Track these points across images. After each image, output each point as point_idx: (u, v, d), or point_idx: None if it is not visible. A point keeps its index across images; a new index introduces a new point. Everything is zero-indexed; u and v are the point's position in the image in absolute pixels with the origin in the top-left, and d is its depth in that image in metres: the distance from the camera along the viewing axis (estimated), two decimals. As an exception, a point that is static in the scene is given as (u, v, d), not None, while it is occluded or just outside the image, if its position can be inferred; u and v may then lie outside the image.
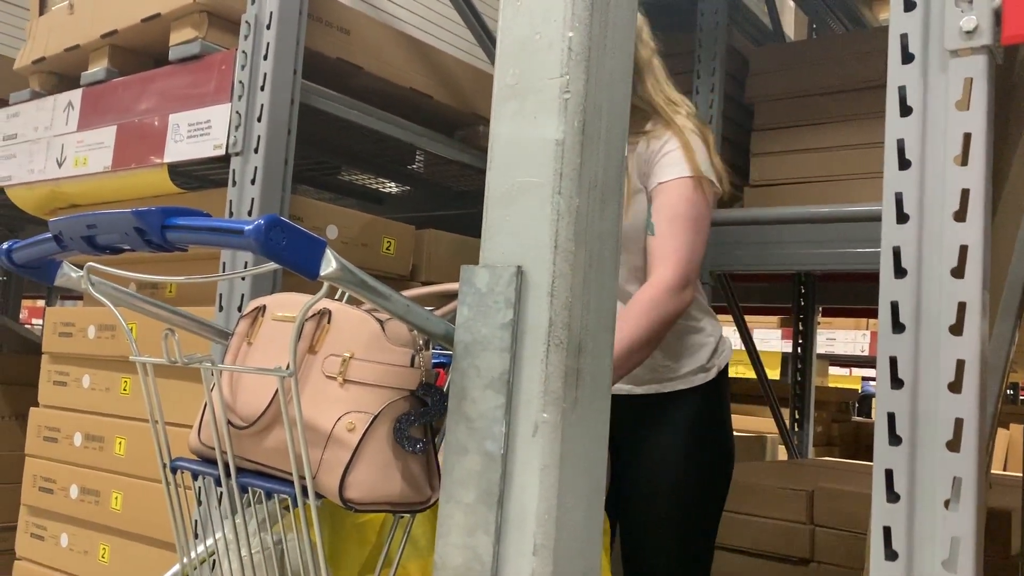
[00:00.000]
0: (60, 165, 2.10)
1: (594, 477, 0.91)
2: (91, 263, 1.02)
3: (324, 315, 0.99)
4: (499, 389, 0.87)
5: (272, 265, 0.83)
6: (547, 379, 0.85)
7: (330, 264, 0.82)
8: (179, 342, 1.00)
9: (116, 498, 1.93)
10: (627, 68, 0.96)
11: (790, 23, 3.65)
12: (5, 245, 1.03)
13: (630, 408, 1.58)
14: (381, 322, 0.97)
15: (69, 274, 1.07)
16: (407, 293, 1.09)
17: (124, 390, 1.97)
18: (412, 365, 0.97)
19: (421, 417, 0.96)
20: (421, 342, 0.99)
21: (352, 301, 1.06)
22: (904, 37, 0.87)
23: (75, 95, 2.11)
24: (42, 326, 2.32)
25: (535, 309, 0.86)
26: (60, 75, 2.27)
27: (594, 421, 0.91)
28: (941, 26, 0.84)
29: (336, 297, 1.09)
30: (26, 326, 4.68)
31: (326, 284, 0.84)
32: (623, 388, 1.59)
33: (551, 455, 0.85)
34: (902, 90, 0.86)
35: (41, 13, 2.30)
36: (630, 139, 1.53)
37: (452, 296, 1.06)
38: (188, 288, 1.92)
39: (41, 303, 6.67)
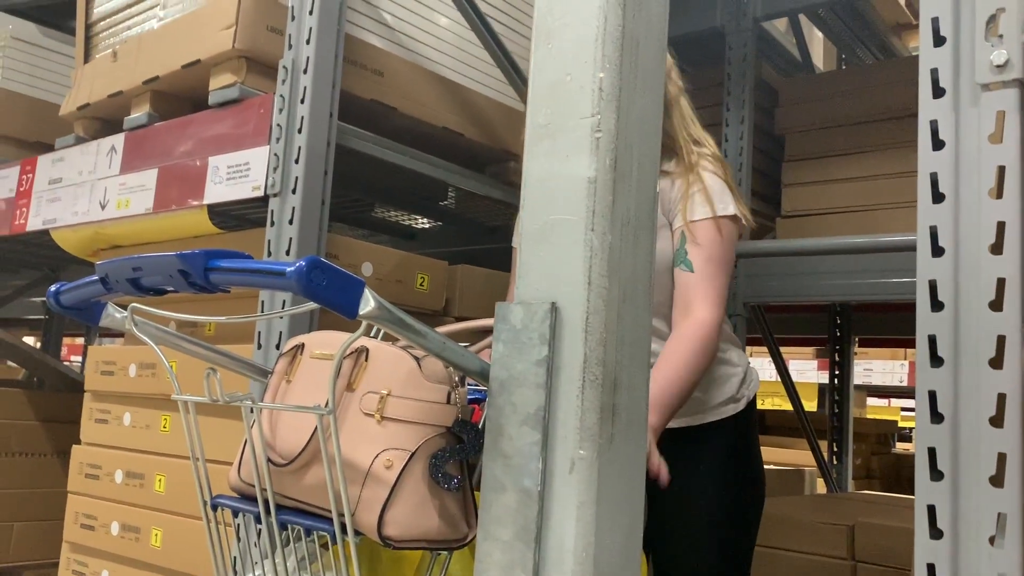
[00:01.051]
0: (103, 207, 2.15)
1: (631, 514, 0.91)
2: (134, 304, 1.05)
3: (362, 353, 1.00)
4: (535, 425, 0.87)
5: (312, 304, 0.85)
6: (583, 415, 0.85)
7: (368, 303, 0.83)
8: (220, 381, 1.02)
9: (156, 535, 1.95)
10: (657, 106, 0.98)
11: (819, 54, 3.66)
12: (52, 288, 1.07)
13: (662, 442, 1.57)
14: (417, 359, 0.99)
15: (113, 315, 1.10)
16: (441, 330, 1.10)
17: (164, 428, 2.00)
18: (448, 402, 0.98)
19: (457, 453, 0.97)
20: (457, 378, 1.00)
21: (388, 337, 1.07)
22: (935, 72, 0.87)
23: (118, 139, 2.17)
24: (81, 363, 2.37)
25: (570, 345, 0.87)
26: (104, 120, 2.34)
27: (631, 457, 0.91)
28: (972, 60, 0.85)
29: (372, 334, 1.10)
30: (66, 363, 4.77)
31: (364, 323, 0.85)
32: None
33: (588, 492, 0.85)
34: (934, 124, 0.86)
35: (86, 61, 2.38)
36: None
37: (486, 332, 1.07)
38: (226, 326, 1.95)
39: (80, 341, 6.79)
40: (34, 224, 2.38)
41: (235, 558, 1.18)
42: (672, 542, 1.60)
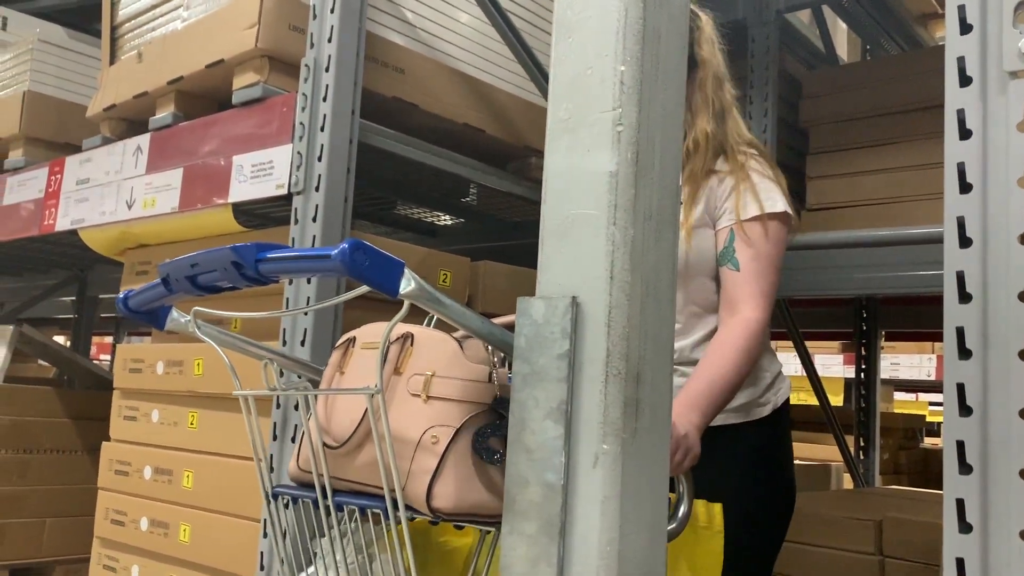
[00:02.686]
0: (130, 207, 2.18)
1: (656, 508, 0.91)
2: (197, 308, 1.11)
3: (407, 338, 1.06)
4: (558, 420, 0.87)
5: (361, 290, 0.89)
6: (606, 409, 0.85)
7: (410, 283, 0.89)
8: (277, 371, 1.09)
9: (184, 530, 1.97)
10: (679, 99, 0.97)
11: (843, 45, 3.62)
12: (121, 295, 1.13)
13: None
14: (459, 342, 1.04)
15: (178, 319, 1.16)
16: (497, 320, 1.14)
17: (191, 424, 2.02)
18: (489, 381, 1.02)
19: (498, 429, 1.00)
20: (497, 359, 1.04)
21: (439, 326, 1.11)
22: (961, 60, 0.86)
23: (143, 140, 2.20)
24: (110, 362, 2.41)
25: (592, 340, 0.87)
26: (129, 121, 2.37)
27: (655, 451, 0.90)
28: (999, 48, 0.83)
29: (425, 323, 1.17)
30: (95, 362, 4.83)
31: (406, 305, 0.89)
32: None
33: (612, 486, 0.85)
34: (961, 113, 0.85)
35: (112, 63, 2.41)
36: (704, 174, 1.55)
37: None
38: (251, 324, 1.96)
39: (108, 339, 6.87)
40: (63, 224, 2.42)
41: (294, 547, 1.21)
42: None
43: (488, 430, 1.01)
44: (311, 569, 1.17)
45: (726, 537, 1.51)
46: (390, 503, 0.96)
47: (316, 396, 1.11)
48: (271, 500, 1.12)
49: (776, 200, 1.53)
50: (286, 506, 1.12)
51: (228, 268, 0.93)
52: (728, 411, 1.56)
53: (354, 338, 1.15)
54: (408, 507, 0.98)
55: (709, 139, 1.57)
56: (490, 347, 1.03)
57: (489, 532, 1.04)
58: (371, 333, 1.14)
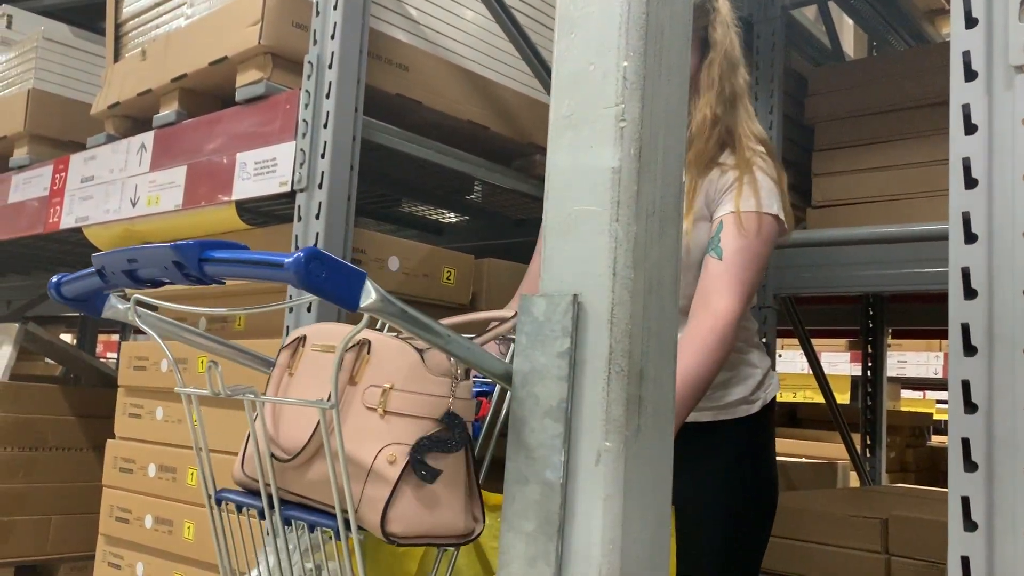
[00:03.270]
0: (134, 205, 2.18)
1: (659, 506, 0.90)
2: (137, 295, 1.03)
3: (364, 346, 0.98)
4: (557, 418, 0.87)
5: (310, 297, 0.83)
6: (609, 407, 0.85)
7: (370, 296, 0.81)
8: (222, 374, 1.00)
9: (188, 528, 1.97)
10: (683, 95, 0.96)
11: (849, 42, 3.60)
12: (54, 279, 1.05)
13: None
14: (420, 351, 0.96)
15: (116, 307, 1.08)
16: (446, 321, 1.08)
17: (195, 422, 2.02)
18: (452, 395, 0.95)
19: (438, 445, 0.93)
20: (461, 371, 0.97)
21: (393, 330, 1.04)
22: (966, 54, 0.85)
23: (147, 137, 2.20)
24: (117, 360, 2.41)
25: (595, 337, 0.86)
26: (133, 119, 2.37)
27: (658, 449, 0.90)
28: (1005, 42, 0.83)
29: (378, 327, 1.07)
30: (101, 360, 4.84)
31: (366, 316, 0.83)
32: None
33: (614, 484, 0.84)
34: (966, 108, 0.84)
35: (116, 60, 2.41)
36: (706, 165, 1.52)
37: (497, 322, 1.06)
38: (256, 320, 1.96)
39: (115, 337, 6.89)
40: (67, 222, 2.42)
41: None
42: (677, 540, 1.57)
43: (425, 443, 0.92)
44: (254, 573, 1.12)
45: (715, 534, 1.50)
46: (342, 524, 0.91)
47: (263, 403, 1.03)
48: (214, 506, 1.06)
49: (772, 202, 1.51)
50: (230, 513, 1.06)
51: (169, 267, 0.88)
52: (717, 408, 1.56)
53: (304, 337, 1.07)
54: (361, 528, 0.92)
55: (715, 122, 1.53)
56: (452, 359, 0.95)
57: (447, 550, 0.98)
58: (323, 333, 1.07)
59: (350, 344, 0.97)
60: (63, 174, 2.49)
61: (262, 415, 1.02)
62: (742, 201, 1.49)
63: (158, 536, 2.05)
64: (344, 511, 0.91)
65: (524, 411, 0.88)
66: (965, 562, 0.79)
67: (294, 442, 0.98)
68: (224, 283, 0.92)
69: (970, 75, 0.85)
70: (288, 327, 1.74)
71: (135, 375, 2.20)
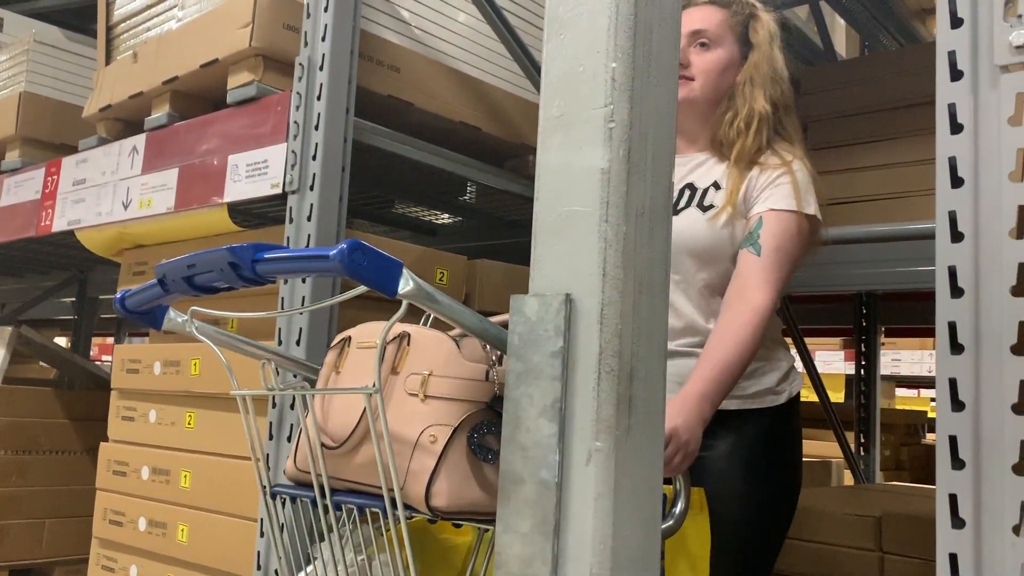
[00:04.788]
0: (126, 207, 2.18)
1: (650, 505, 0.90)
2: (194, 307, 1.11)
3: (404, 338, 1.07)
4: (552, 417, 0.87)
5: (358, 290, 0.88)
6: (599, 407, 0.85)
7: (408, 283, 0.89)
8: (276, 371, 1.10)
9: (182, 530, 1.97)
10: (672, 95, 0.97)
11: (841, 42, 3.61)
12: (118, 295, 1.13)
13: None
14: (456, 340, 1.05)
15: (175, 319, 1.17)
16: (497, 319, 1.14)
17: (189, 424, 2.02)
18: (487, 379, 1.03)
19: (494, 427, 1.01)
20: (495, 357, 1.04)
21: (435, 324, 1.12)
22: (952, 54, 0.86)
23: (139, 140, 2.19)
24: (111, 362, 2.41)
25: (585, 337, 0.86)
26: (125, 121, 2.36)
27: (648, 448, 0.90)
28: (990, 42, 0.83)
29: (422, 322, 1.18)
30: (96, 363, 4.83)
31: (404, 305, 0.89)
32: None
33: (605, 484, 0.84)
34: (952, 107, 0.85)
35: (107, 63, 2.41)
36: (748, 164, 1.55)
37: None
38: (246, 324, 1.96)
39: (110, 340, 6.87)
40: (59, 225, 2.42)
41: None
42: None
43: (484, 428, 1.01)
44: (309, 568, 1.17)
45: (736, 519, 1.52)
46: (388, 502, 0.97)
47: (313, 395, 1.11)
48: (270, 498, 1.12)
49: (811, 203, 1.54)
50: (283, 505, 1.13)
51: (225, 269, 0.94)
52: (744, 397, 1.57)
53: (349, 338, 1.15)
54: (407, 506, 0.99)
55: (761, 120, 1.55)
56: (487, 345, 1.04)
57: (488, 530, 1.05)
58: (367, 332, 1.15)
59: (391, 336, 1.07)
60: (55, 177, 2.48)
61: (312, 409, 1.09)
62: (782, 200, 1.51)
63: (152, 539, 2.05)
64: (390, 489, 0.96)
65: (519, 411, 0.89)
66: (953, 559, 0.79)
67: (342, 429, 1.05)
68: (275, 281, 1.00)
69: (956, 75, 0.85)
70: (280, 329, 1.74)
71: (128, 378, 2.20)
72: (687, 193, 1.60)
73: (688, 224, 1.54)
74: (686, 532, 1.34)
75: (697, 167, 1.62)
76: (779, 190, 1.52)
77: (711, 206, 1.55)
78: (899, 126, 2.58)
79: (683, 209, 1.58)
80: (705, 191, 1.58)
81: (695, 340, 1.55)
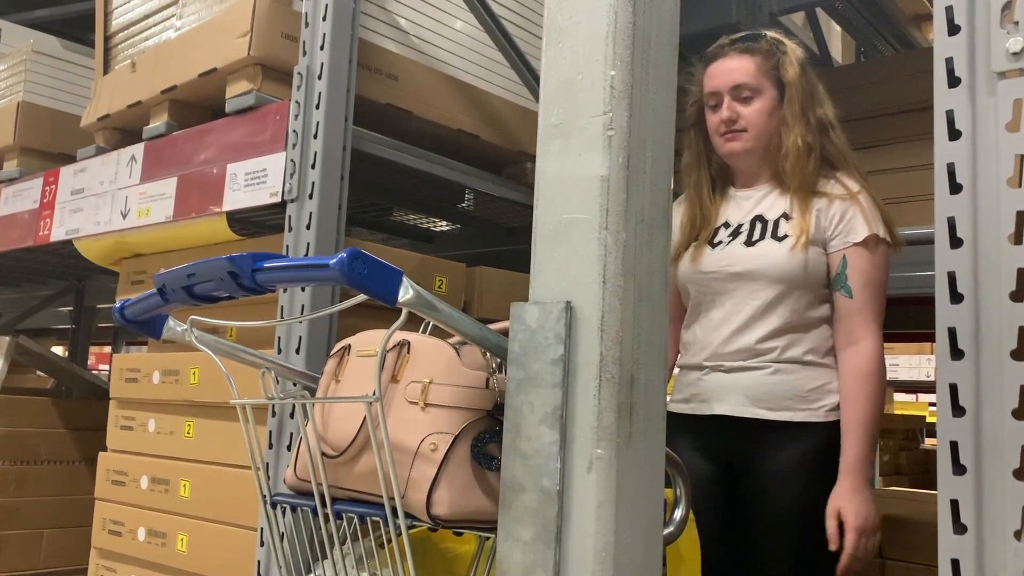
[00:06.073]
0: (124, 217, 2.18)
1: (651, 512, 0.90)
2: (193, 316, 1.11)
3: (404, 346, 1.07)
4: (553, 425, 0.87)
5: (358, 299, 0.89)
6: (600, 414, 0.85)
7: (408, 291, 0.89)
8: (275, 380, 1.10)
9: (182, 540, 1.96)
10: (670, 103, 0.97)
11: (837, 48, 3.62)
12: (118, 304, 1.13)
13: (762, 432, 1.63)
14: (456, 348, 1.04)
15: (175, 328, 1.17)
16: (497, 326, 1.14)
17: (188, 433, 2.02)
18: (487, 387, 1.02)
19: (496, 435, 1.00)
20: (495, 365, 1.04)
21: (435, 332, 1.12)
22: (949, 61, 0.86)
23: (137, 149, 2.19)
24: (109, 372, 2.41)
25: (586, 344, 0.86)
26: (123, 130, 2.36)
27: (649, 455, 0.90)
28: (987, 49, 0.83)
29: (421, 330, 1.17)
30: (93, 372, 4.82)
31: (404, 313, 0.90)
32: (757, 413, 1.63)
33: (607, 491, 0.84)
34: (950, 114, 0.85)
35: (105, 73, 2.41)
36: (811, 192, 1.64)
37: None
38: (246, 333, 1.96)
39: (107, 349, 6.86)
40: (57, 235, 2.42)
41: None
42: (758, 524, 1.63)
43: (486, 436, 1.01)
44: None
45: (795, 526, 1.58)
46: (389, 511, 0.97)
47: (314, 404, 1.11)
48: (270, 508, 1.12)
49: (879, 226, 1.63)
50: (283, 514, 1.13)
51: (224, 278, 0.94)
52: (810, 410, 1.63)
53: (349, 346, 1.15)
54: (408, 515, 0.99)
55: (810, 150, 1.65)
56: (487, 353, 1.04)
57: (489, 539, 1.04)
58: (367, 341, 1.15)
59: (390, 344, 1.06)
60: (53, 186, 2.48)
61: (312, 417, 1.08)
62: (856, 234, 1.61)
63: (151, 548, 2.04)
64: (391, 498, 0.97)
65: (519, 419, 0.89)
66: (955, 565, 0.79)
67: (342, 438, 1.05)
68: (274, 290, 0.99)
69: (953, 81, 0.86)
70: (279, 337, 1.74)
71: (127, 387, 2.20)
72: (759, 225, 1.69)
73: (767, 254, 1.64)
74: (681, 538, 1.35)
75: (763, 199, 1.71)
76: (852, 223, 1.62)
77: (785, 236, 1.64)
78: (895, 131, 2.58)
79: (758, 240, 1.67)
80: (776, 222, 1.67)
81: (778, 356, 1.64)
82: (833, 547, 1.52)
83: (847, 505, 1.52)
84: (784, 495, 1.59)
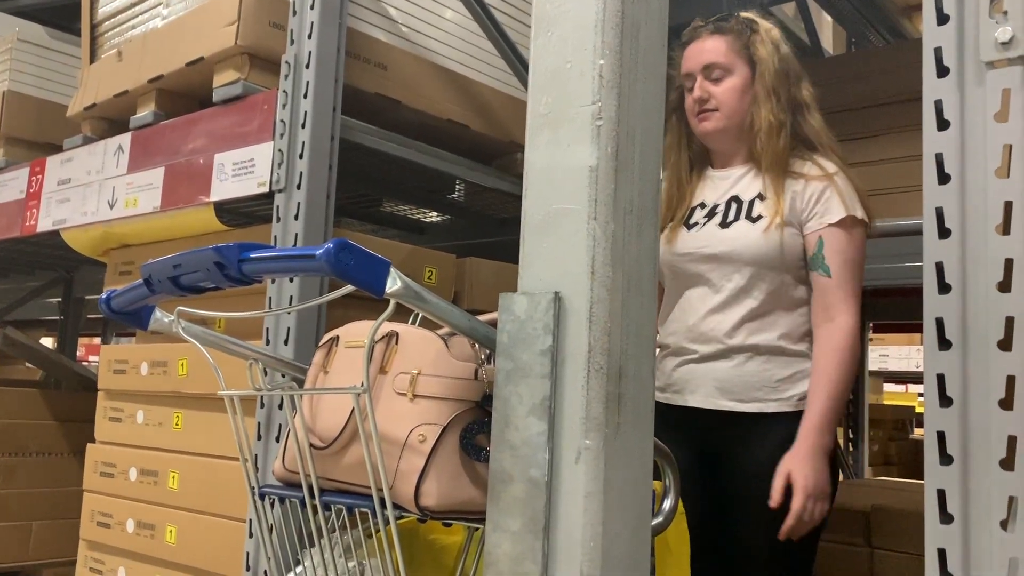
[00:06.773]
0: (112, 207, 2.16)
1: (639, 502, 0.90)
2: (181, 307, 1.11)
3: (392, 337, 1.06)
4: (541, 416, 0.87)
5: (346, 289, 0.88)
6: (588, 405, 0.85)
7: (396, 282, 0.88)
8: (262, 372, 1.09)
9: (171, 532, 1.96)
10: (659, 93, 0.97)
11: (828, 38, 3.62)
12: (104, 295, 1.12)
13: (733, 424, 1.62)
14: (445, 339, 1.04)
15: (162, 319, 1.16)
16: (486, 317, 1.13)
17: (176, 425, 2.01)
18: (476, 378, 1.02)
19: (485, 426, 1.00)
20: (483, 356, 1.04)
21: (424, 324, 1.11)
22: (938, 51, 0.86)
23: (124, 139, 2.18)
24: (97, 363, 2.40)
25: (574, 335, 0.86)
26: (110, 120, 2.35)
27: (637, 446, 0.90)
28: (976, 38, 0.83)
29: (411, 321, 1.17)
30: (83, 363, 4.80)
31: (392, 304, 0.89)
32: (726, 405, 1.63)
33: (595, 482, 0.84)
34: (938, 104, 0.85)
35: (92, 61, 2.39)
36: (785, 170, 1.63)
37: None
38: (234, 323, 1.95)
39: (96, 340, 6.83)
40: (44, 225, 2.40)
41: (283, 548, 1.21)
42: (733, 517, 1.63)
43: (475, 427, 1.01)
44: (299, 569, 1.17)
45: (771, 518, 1.54)
46: (378, 502, 0.96)
47: (302, 395, 1.11)
48: (259, 499, 1.11)
49: (856, 207, 1.61)
50: (272, 505, 1.12)
51: (211, 269, 0.93)
52: (782, 400, 1.62)
53: (337, 337, 1.15)
54: (396, 506, 0.98)
55: (780, 127, 1.64)
56: (476, 344, 1.03)
57: (478, 529, 1.04)
58: (355, 332, 1.14)
59: (379, 336, 1.06)
60: (39, 176, 2.46)
61: (300, 409, 1.08)
62: (834, 213, 1.60)
63: (140, 540, 2.03)
64: (380, 489, 0.96)
65: (508, 409, 0.88)
66: (942, 554, 0.80)
67: (331, 430, 1.05)
68: (261, 281, 0.98)
69: (942, 71, 0.86)
70: (267, 328, 1.73)
71: (115, 379, 2.19)
72: (734, 206, 1.67)
73: (742, 235, 1.63)
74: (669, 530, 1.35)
75: (739, 180, 1.70)
76: (829, 204, 1.60)
77: (759, 217, 1.63)
78: (885, 122, 2.59)
79: (733, 222, 1.66)
80: (751, 203, 1.66)
81: (750, 343, 1.63)
82: (774, 504, 1.50)
83: (798, 469, 1.51)
84: (758, 487, 1.57)
